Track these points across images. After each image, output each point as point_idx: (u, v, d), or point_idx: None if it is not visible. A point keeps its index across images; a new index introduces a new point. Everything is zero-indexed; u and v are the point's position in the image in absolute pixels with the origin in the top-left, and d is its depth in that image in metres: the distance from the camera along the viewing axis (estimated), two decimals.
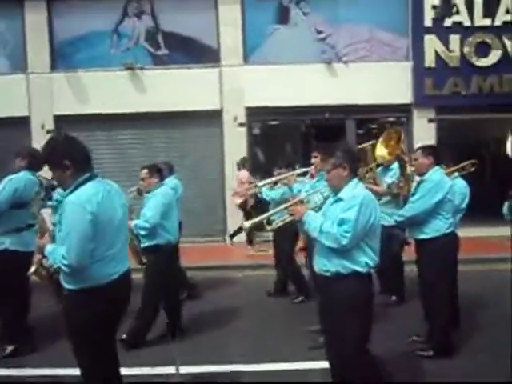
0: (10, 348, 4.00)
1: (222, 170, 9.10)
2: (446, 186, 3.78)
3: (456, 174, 4.66)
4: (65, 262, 2.38)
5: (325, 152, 3.11)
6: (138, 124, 9.15)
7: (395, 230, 4.90)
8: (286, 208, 3.01)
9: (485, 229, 8.07)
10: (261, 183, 5.37)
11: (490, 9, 8.72)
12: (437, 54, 8.76)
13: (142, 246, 4.27)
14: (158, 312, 4.27)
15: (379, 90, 8.75)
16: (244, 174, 8.24)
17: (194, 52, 9.09)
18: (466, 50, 8.72)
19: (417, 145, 8.57)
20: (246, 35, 9.00)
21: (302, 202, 3.01)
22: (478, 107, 8.75)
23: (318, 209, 3.05)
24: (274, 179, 5.16)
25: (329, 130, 9.46)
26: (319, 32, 9.04)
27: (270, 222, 3.15)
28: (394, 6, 8.99)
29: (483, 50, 8.77)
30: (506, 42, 8.73)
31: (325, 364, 3.04)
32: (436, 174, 3.83)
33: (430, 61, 8.79)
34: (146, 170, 4.37)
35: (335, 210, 2.78)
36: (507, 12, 8.72)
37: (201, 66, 8.97)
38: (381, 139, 4.49)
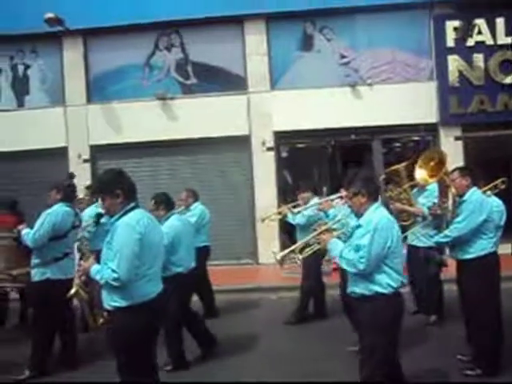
0: (27, 374, 4.13)
1: (251, 194, 9.28)
2: (488, 205, 3.90)
3: (489, 192, 4.67)
4: (115, 275, 2.66)
5: (346, 180, 3.24)
6: (169, 151, 9.46)
7: (432, 251, 5.01)
8: (314, 237, 3.21)
9: None
10: (296, 210, 5.33)
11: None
12: (460, 73, 8.88)
13: None
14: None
15: (404, 110, 8.89)
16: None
17: (221, 80, 9.44)
18: (490, 67, 8.82)
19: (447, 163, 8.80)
20: (272, 62, 9.32)
21: (328, 230, 3.18)
22: (503, 124, 8.79)
23: (345, 235, 3.19)
24: (307, 206, 5.17)
25: (355, 151, 9.63)
26: (343, 57, 9.30)
27: (300, 251, 3.34)
28: (415, 28, 9.20)
29: (507, 67, 8.85)
30: None
31: None
32: (475, 194, 3.92)
33: (453, 80, 8.91)
34: (152, 201, 4.32)
35: (356, 235, 2.97)
36: None
37: (229, 94, 9.30)
38: (420, 161, 4.51)
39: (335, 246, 3.05)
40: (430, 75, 9.18)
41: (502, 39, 8.85)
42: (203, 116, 9.09)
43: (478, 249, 3.83)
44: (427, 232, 4.98)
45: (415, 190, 5.11)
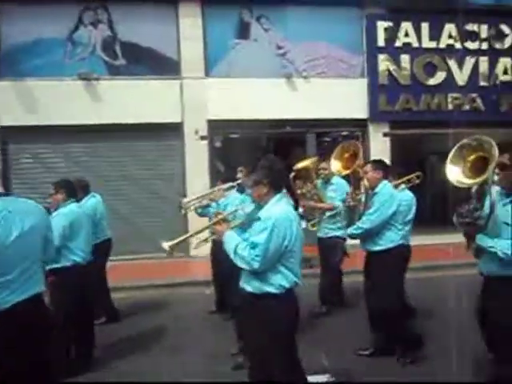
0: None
1: (183, 184, 8.88)
2: (397, 198, 3.98)
3: (403, 185, 4.80)
4: None
5: (250, 167, 3.14)
6: (93, 137, 8.69)
7: (337, 240, 5.10)
8: (208, 227, 2.99)
9: (431, 237, 8.52)
10: (185, 200, 5.04)
11: (435, 33, 9.40)
12: (389, 72, 9.27)
13: (46, 268, 3.74)
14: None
15: (337, 105, 9.07)
16: None
17: (153, 63, 8.88)
18: (415, 69, 9.31)
19: (373, 157, 9.14)
20: (207, 48, 8.96)
21: (224, 220, 2.94)
22: (426, 122, 9.35)
23: (243, 225, 2.99)
24: (199, 195, 4.90)
25: (290, 143, 9.65)
26: (279, 48, 9.23)
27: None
28: (349, 26, 9.41)
29: (430, 69, 9.41)
30: (450, 63, 9.44)
31: None
32: (387, 187, 3.99)
33: (383, 78, 9.27)
34: (52, 186, 4.09)
35: (254, 230, 2.77)
36: (450, 36, 9.45)
37: (160, 78, 8.78)
38: (334, 153, 4.54)
39: (230, 240, 2.78)
40: (361, 72, 9.46)
41: (427, 43, 9.40)
42: (131, 100, 8.48)
43: (388, 241, 3.89)
44: (335, 222, 5.10)
45: (319, 182, 5.16)
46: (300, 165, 5.15)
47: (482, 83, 9.53)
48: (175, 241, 2.88)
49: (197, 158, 8.87)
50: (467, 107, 9.46)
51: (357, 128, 9.56)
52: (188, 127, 8.88)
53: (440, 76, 9.41)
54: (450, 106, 9.46)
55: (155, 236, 8.17)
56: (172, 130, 8.87)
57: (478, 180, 2.69)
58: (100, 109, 8.52)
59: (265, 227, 2.66)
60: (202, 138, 8.94)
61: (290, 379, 2.76)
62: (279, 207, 2.75)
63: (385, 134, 9.39)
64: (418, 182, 5.15)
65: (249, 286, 2.78)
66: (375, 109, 9.30)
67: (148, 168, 8.79)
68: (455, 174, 2.80)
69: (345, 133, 9.82)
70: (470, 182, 2.74)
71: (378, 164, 4.08)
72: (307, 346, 3.47)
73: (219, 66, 9.07)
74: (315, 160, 5.10)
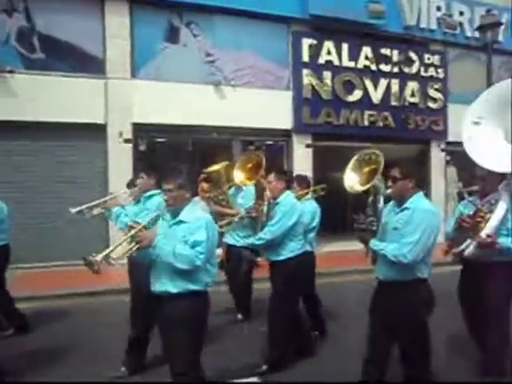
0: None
1: (105, 188, 8.48)
2: (298, 208, 4.02)
3: (309, 195, 4.91)
4: None
5: (165, 173, 3.12)
6: (6, 134, 8.01)
7: (245, 251, 5.02)
8: (132, 236, 2.86)
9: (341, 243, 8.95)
10: (74, 210, 4.55)
11: (354, 54, 10.13)
12: (312, 86, 9.78)
13: None
14: None
15: (264, 114, 9.35)
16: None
17: (75, 60, 8.43)
18: (335, 85, 9.92)
19: (297, 167, 9.55)
20: (135, 49, 8.74)
21: (145, 227, 2.91)
22: (345, 136, 9.98)
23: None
24: (91, 204, 4.51)
25: (215, 150, 9.69)
26: (208, 55, 9.30)
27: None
28: (277, 39, 9.78)
29: (349, 87, 10.09)
30: (366, 83, 10.21)
31: None
32: (289, 197, 4.03)
33: (306, 92, 9.75)
34: None
35: (177, 232, 2.83)
36: (366, 58, 10.23)
37: (83, 76, 8.37)
38: (238, 164, 4.56)
39: (166, 242, 2.78)
40: (287, 85, 9.86)
41: (346, 62, 10.08)
42: (51, 97, 7.98)
43: (289, 250, 3.94)
44: (243, 232, 5.02)
45: (233, 189, 5.12)
46: (210, 169, 5.06)
47: (394, 103, 10.44)
48: (103, 253, 2.75)
49: (120, 161, 8.55)
50: (380, 124, 10.29)
51: (281, 138, 9.93)
52: (112, 129, 8.56)
53: (357, 94, 10.14)
54: (366, 122, 10.22)
55: (73, 242, 7.88)
56: (95, 132, 8.47)
57: (366, 187, 2.99)
58: (14, 105, 7.87)
59: (200, 226, 2.78)
60: (126, 140, 8.66)
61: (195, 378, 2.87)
62: (200, 212, 2.93)
63: (307, 145, 9.85)
64: (322, 193, 5.31)
65: (172, 286, 2.82)
66: (299, 121, 9.73)
67: (67, 170, 8.30)
68: (351, 181, 3.11)
69: (269, 142, 10.16)
70: (360, 188, 3.05)
71: (281, 174, 4.10)
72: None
73: (146, 68, 8.89)
74: (226, 165, 4.98)
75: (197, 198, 2.93)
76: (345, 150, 10.54)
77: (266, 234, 3.93)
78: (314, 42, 9.82)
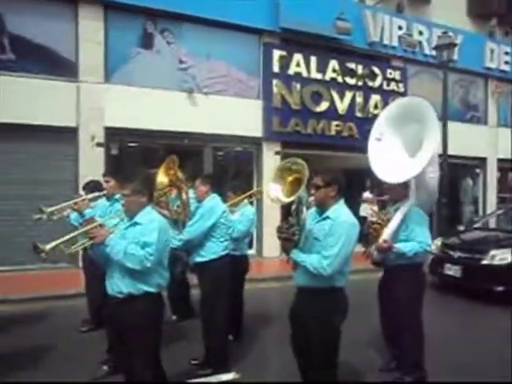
0: None
1: (76, 191, 8.43)
2: (219, 210, 4.08)
3: (246, 201, 5.04)
4: None
5: (124, 177, 3.19)
6: None
7: (179, 252, 4.87)
8: (86, 231, 2.91)
9: None
10: (49, 209, 4.55)
11: (322, 66, 10.58)
12: (282, 96, 10.14)
13: None
14: None
15: (235, 122, 9.61)
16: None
17: (47, 62, 8.36)
18: (304, 96, 10.33)
19: (266, 173, 9.85)
20: (108, 53, 8.78)
21: (101, 225, 2.96)
22: (313, 145, 10.39)
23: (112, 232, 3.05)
24: (64, 205, 4.60)
25: (187, 155, 9.83)
26: (181, 62, 9.47)
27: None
28: (248, 50, 10.09)
29: (316, 98, 10.53)
30: (333, 94, 10.69)
31: None
32: (211, 200, 4.11)
33: (276, 101, 10.09)
34: None
35: (132, 234, 2.90)
36: (334, 71, 10.72)
37: (55, 79, 8.33)
38: (162, 167, 4.59)
39: (116, 242, 2.84)
40: (257, 94, 10.17)
41: (314, 74, 10.51)
42: (21, 99, 7.88)
43: (209, 252, 4.01)
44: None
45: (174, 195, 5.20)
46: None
47: (358, 114, 10.97)
48: (53, 244, 2.81)
49: (91, 165, 8.52)
50: (346, 134, 10.78)
51: (251, 145, 10.21)
52: (84, 133, 8.54)
53: (324, 105, 10.58)
54: (333, 132, 10.68)
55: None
56: (66, 135, 8.44)
57: (292, 198, 2.80)
58: None
59: (153, 228, 2.86)
60: (99, 144, 8.67)
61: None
62: (156, 214, 3.00)
63: (276, 153, 10.18)
64: (259, 196, 5.37)
65: (124, 287, 2.87)
66: (269, 129, 10.05)
67: (37, 174, 8.20)
68: (275, 191, 2.97)
69: (240, 149, 10.42)
70: (286, 200, 2.87)
71: (207, 178, 4.23)
72: None
73: (120, 72, 8.94)
74: (165, 170, 4.71)
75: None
76: (312, 158, 10.97)
77: (185, 235, 4.00)
78: (284, 53, 10.19)
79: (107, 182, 4.61)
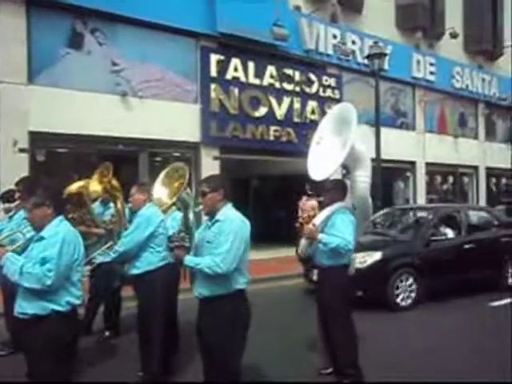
0: None
1: None
2: (157, 219, 3.86)
3: (174, 208, 4.76)
4: None
5: (26, 189, 3.12)
6: None
7: (115, 265, 4.67)
8: None
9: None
10: None
11: (259, 71, 10.63)
12: (220, 101, 10.04)
13: None
14: None
15: (172, 127, 9.37)
16: None
17: None
18: (242, 101, 10.30)
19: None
20: (32, 53, 8.19)
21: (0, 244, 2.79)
22: (251, 150, 10.39)
23: (21, 250, 2.92)
24: None
25: (122, 161, 9.41)
26: (114, 64, 9.06)
27: None
28: (185, 53, 9.89)
29: (255, 103, 10.55)
30: (271, 100, 10.77)
31: None
32: (148, 209, 3.90)
33: (214, 106, 9.98)
34: None
35: (37, 250, 2.70)
36: (271, 76, 10.81)
37: None
38: (95, 175, 4.45)
39: (12, 261, 2.66)
40: (195, 98, 9.98)
41: (252, 79, 10.53)
42: None
43: (145, 263, 3.84)
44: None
45: (99, 206, 4.99)
46: (70, 188, 4.61)
47: (296, 119, 11.14)
48: None
49: (15, 172, 7.85)
50: (284, 139, 10.90)
51: (189, 150, 10.00)
52: (5, 137, 7.89)
53: (263, 110, 10.63)
54: (271, 137, 10.75)
55: None
56: None
57: (173, 200, 3.09)
58: None
59: (55, 242, 2.63)
60: (22, 150, 8.04)
61: None
62: (63, 226, 2.76)
63: (215, 158, 10.05)
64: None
65: (29, 307, 2.64)
66: (207, 134, 9.90)
67: None
68: (159, 194, 3.22)
69: (177, 154, 10.16)
70: (168, 201, 3.14)
71: (144, 186, 4.07)
72: None
73: (45, 73, 8.37)
74: (86, 183, 4.62)
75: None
76: (251, 162, 11.03)
77: (120, 246, 3.84)
78: (222, 57, 10.11)
79: (20, 191, 4.25)
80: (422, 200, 14.21)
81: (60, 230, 2.71)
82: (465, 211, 7.67)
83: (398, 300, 6.29)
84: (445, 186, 15.69)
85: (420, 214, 8.38)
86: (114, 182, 4.20)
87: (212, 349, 2.82)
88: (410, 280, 6.41)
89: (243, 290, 2.87)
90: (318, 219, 3.82)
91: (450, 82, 15.05)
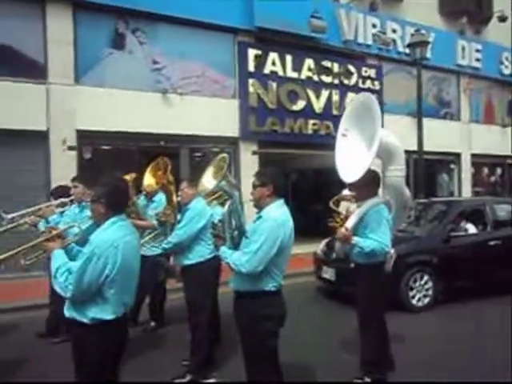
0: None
1: (48, 198, 8.17)
2: (207, 213, 4.07)
3: (215, 202, 4.80)
4: None
5: (92, 181, 3.08)
6: None
7: (160, 258, 4.91)
8: (40, 243, 2.66)
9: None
10: (9, 216, 4.38)
11: (297, 65, 10.56)
12: (258, 95, 10.06)
13: None
14: None
15: (211, 122, 9.50)
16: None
17: (13, 64, 8.07)
18: (280, 95, 10.28)
19: (243, 173, 9.76)
20: (78, 54, 8.53)
21: (59, 236, 2.65)
22: (290, 144, 10.36)
23: (75, 243, 2.80)
24: (24, 211, 4.41)
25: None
26: (155, 62, 9.28)
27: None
28: (223, 49, 9.98)
29: (293, 97, 10.50)
30: (309, 93, 10.68)
31: None
32: (199, 203, 4.07)
33: (253, 101, 10.01)
34: None
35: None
36: (309, 69, 10.71)
37: (23, 81, 8.04)
38: (148, 169, 4.55)
39: (55, 259, 2.48)
40: (233, 94, 10.06)
41: (290, 73, 10.48)
42: None
43: (197, 255, 3.98)
44: (159, 241, 4.80)
45: (143, 200, 5.11)
46: (149, 184, 4.77)
47: (335, 112, 10.99)
48: (5, 255, 2.66)
49: (64, 169, 8.27)
50: (323, 132, 10.78)
51: (228, 145, 10.10)
52: (54, 136, 8.28)
53: (301, 103, 10.56)
54: (310, 131, 10.67)
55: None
56: (36, 139, 8.17)
57: (210, 188, 3.29)
58: None
59: (83, 253, 2.42)
60: (70, 148, 8.42)
61: None
62: (109, 232, 2.47)
63: (254, 152, 10.10)
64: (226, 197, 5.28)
65: (67, 310, 2.50)
66: (246, 129, 9.96)
67: (7, 179, 7.88)
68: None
69: (216, 149, 10.28)
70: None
71: (193, 181, 4.11)
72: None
73: (91, 73, 8.70)
74: (133, 176, 4.75)
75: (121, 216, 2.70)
76: (290, 156, 11.01)
77: (173, 238, 3.97)
78: (260, 52, 10.11)
79: (75, 187, 4.47)
80: (467, 193, 13.69)
81: (97, 240, 2.42)
82: (491, 205, 7.01)
83: (414, 301, 5.91)
84: (492, 178, 15.03)
85: (441, 208, 7.61)
86: (170, 177, 4.30)
87: (242, 343, 2.85)
88: (426, 278, 5.99)
89: (274, 292, 2.78)
90: (351, 222, 3.69)
91: (498, 68, 14.35)
